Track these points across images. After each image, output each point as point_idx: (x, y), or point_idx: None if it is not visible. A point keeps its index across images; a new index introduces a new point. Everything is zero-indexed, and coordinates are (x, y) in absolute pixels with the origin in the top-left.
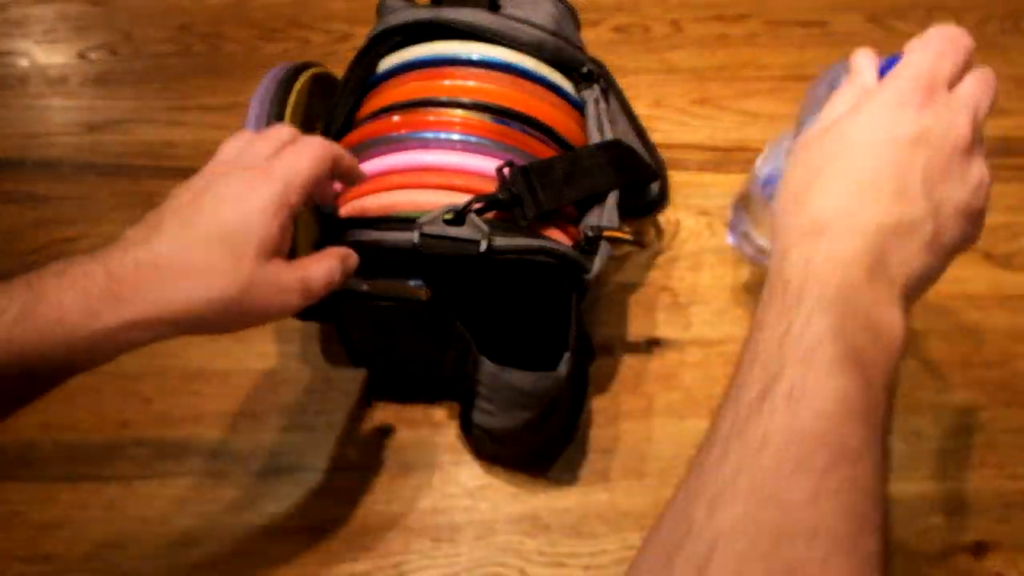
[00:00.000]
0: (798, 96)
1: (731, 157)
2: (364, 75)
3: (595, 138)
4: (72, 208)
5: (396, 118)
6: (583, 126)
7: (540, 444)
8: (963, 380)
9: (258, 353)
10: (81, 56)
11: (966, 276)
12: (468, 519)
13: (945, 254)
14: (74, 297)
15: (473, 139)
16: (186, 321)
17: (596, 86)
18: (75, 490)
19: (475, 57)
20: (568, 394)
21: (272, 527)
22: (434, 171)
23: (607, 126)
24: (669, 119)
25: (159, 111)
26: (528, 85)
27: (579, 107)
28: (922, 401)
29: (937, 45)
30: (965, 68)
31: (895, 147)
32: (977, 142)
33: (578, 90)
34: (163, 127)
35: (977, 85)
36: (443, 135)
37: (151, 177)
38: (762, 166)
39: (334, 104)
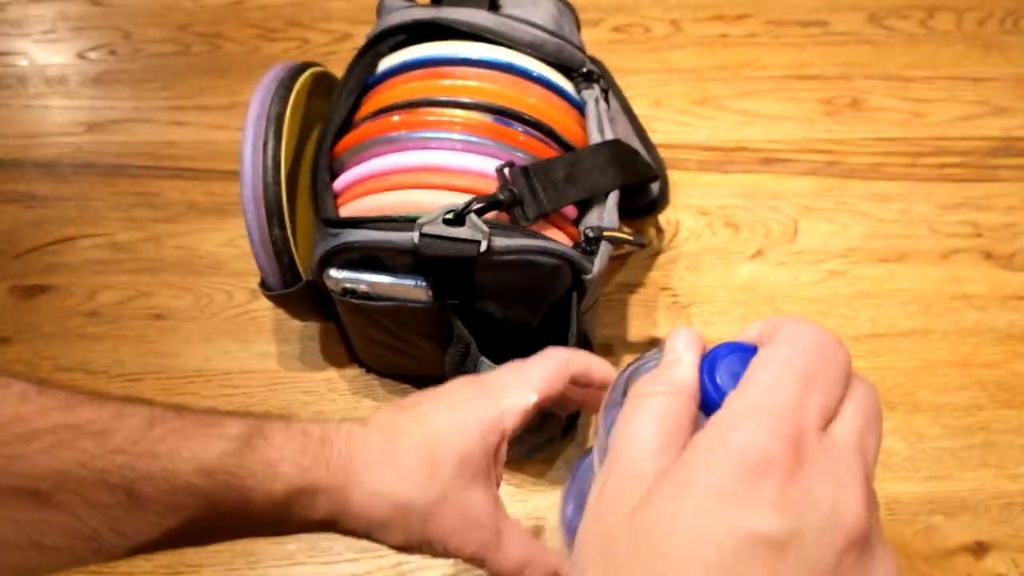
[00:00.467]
0: (798, 96)
1: (731, 157)
2: (363, 75)
3: (595, 138)
4: (72, 208)
5: (396, 118)
6: (583, 126)
7: (540, 443)
8: (963, 380)
9: (258, 353)
10: (80, 56)
11: (966, 276)
12: None
13: None
14: (292, 448)
15: (473, 139)
16: (371, 510)
17: (596, 86)
18: None
19: (475, 57)
20: None
21: None
22: (434, 171)
23: (607, 126)
24: (669, 119)
25: (159, 111)
26: (528, 85)
27: (579, 107)
28: (922, 401)
29: (801, 364)
30: (842, 394)
31: (746, 561)
32: (875, 519)
33: (578, 90)
34: (163, 127)
35: (861, 418)
36: (443, 135)
37: (151, 177)
38: (566, 495)
39: (333, 104)
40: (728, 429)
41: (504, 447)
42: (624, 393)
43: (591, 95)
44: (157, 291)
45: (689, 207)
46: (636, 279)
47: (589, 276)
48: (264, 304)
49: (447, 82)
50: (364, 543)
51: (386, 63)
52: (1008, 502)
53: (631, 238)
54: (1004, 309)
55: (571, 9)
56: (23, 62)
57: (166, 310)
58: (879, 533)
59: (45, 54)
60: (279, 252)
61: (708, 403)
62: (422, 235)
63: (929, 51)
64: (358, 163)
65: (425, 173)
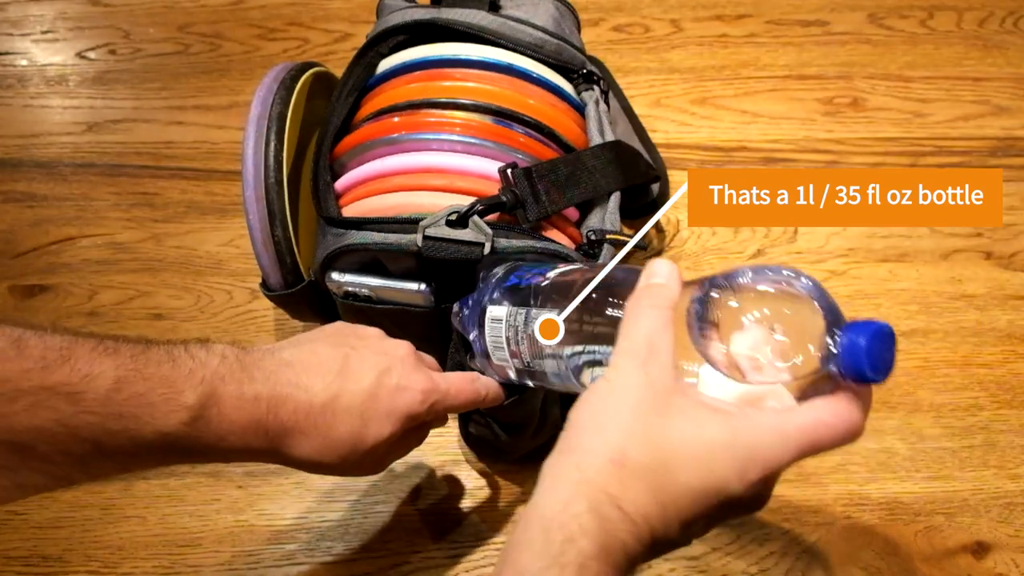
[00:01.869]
0: (798, 96)
1: (731, 157)
2: (363, 76)
3: (596, 139)
4: (72, 208)
5: (396, 119)
6: (583, 127)
7: (541, 447)
8: (963, 380)
9: None
10: (80, 56)
11: (966, 276)
12: (468, 519)
13: None
14: (241, 421)
15: (474, 141)
16: (304, 464)
17: (596, 87)
18: (74, 490)
19: (475, 58)
20: (566, 401)
21: (272, 527)
22: (435, 173)
23: (608, 127)
24: (669, 119)
25: (158, 111)
26: (528, 86)
27: (579, 108)
28: (922, 401)
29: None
30: None
31: (713, 496)
32: None
33: (578, 91)
34: (162, 127)
35: None
36: (444, 136)
37: (151, 177)
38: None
39: (333, 105)
40: (779, 443)
41: (410, 428)
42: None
43: (591, 96)
44: (157, 291)
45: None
46: None
47: None
48: (264, 304)
49: (447, 83)
50: (365, 542)
51: (386, 64)
52: (1009, 502)
53: (633, 240)
54: (1004, 309)
55: (571, 10)
56: (23, 62)
57: (166, 310)
58: None
59: (45, 54)
60: (281, 253)
61: (855, 374)
62: (425, 237)
63: (929, 51)
64: (359, 164)
65: (426, 175)
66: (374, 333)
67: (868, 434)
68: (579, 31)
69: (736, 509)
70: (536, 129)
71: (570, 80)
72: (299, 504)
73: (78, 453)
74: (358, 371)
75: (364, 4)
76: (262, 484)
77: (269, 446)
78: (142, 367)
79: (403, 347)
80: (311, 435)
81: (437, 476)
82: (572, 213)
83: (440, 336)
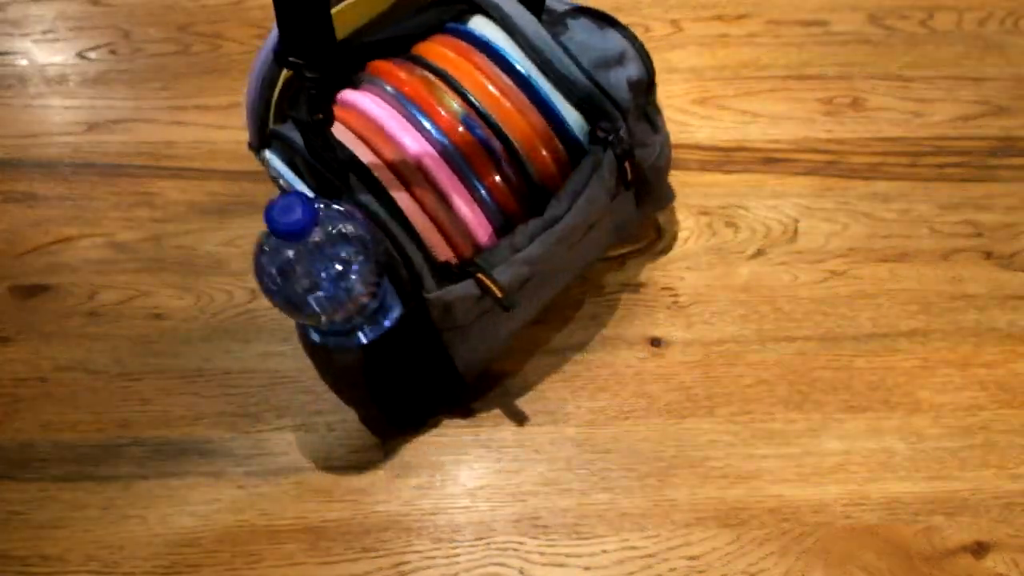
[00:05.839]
0: (798, 96)
1: (731, 157)
2: (444, 17)
3: (567, 195)
4: (72, 208)
5: (403, 75)
6: (562, 165)
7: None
8: (963, 380)
9: (258, 353)
10: (80, 56)
11: (966, 276)
12: (468, 519)
13: None
14: None
15: (447, 143)
16: None
17: (610, 151)
18: (74, 490)
19: (503, 54)
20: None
21: (272, 527)
22: (381, 136)
23: (588, 192)
24: (669, 119)
25: (158, 111)
26: (528, 104)
27: (576, 147)
28: (922, 401)
29: None
30: None
31: None
32: None
33: (590, 141)
34: (162, 127)
35: None
36: (424, 121)
37: (151, 177)
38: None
39: (419, 17)
40: None
41: None
42: None
43: (597, 152)
44: (157, 291)
45: (690, 207)
46: (636, 279)
47: (428, 296)
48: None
49: (475, 71)
50: (365, 542)
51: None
52: (1009, 502)
53: (497, 293)
54: (1004, 309)
55: (644, 61)
56: (23, 62)
57: (166, 310)
58: None
59: (45, 54)
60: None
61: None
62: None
63: (929, 51)
64: (353, 87)
65: (374, 133)
66: None
67: (868, 434)
68: (652, 90)
69: None
70: (509, 154)
71: (590, 123)
72: (299, 504)
73: None
74: None
75: None
76: (262, 484)
77: None
78: None
79: None
80: None
81: (437, 476)
82: (482, 232)
83: None
